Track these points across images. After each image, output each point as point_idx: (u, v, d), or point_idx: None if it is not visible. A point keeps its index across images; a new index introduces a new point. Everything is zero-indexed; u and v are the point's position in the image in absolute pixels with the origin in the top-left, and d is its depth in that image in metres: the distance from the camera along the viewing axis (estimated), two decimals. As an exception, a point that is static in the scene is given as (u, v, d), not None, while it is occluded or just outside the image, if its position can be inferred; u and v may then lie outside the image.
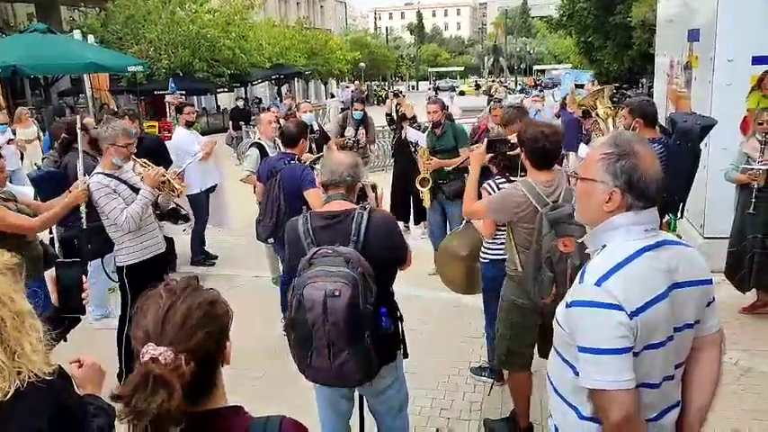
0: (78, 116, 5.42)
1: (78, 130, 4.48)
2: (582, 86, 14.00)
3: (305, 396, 4.25)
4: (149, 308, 1.37)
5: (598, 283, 1.68)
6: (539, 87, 36.19)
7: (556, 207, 3.13)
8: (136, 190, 4.19)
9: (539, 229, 3.15)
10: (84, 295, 2.10)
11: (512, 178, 3.99)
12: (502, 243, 4.07)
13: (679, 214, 4.83)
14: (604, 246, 1.80)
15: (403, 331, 2.91)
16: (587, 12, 25.70)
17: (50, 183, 5.00)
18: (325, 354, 2.50)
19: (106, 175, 4.14)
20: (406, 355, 2.96)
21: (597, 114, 4.74)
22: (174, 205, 4.80)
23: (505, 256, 4.07)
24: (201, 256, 7.38)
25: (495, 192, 3.94)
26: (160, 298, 1.38)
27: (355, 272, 2.45)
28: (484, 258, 4.17)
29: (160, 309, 1.35)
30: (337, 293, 2.41)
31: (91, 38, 15.09)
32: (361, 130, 8.31)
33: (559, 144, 3.33)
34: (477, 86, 54.34)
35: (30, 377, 1.55)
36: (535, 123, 3.65)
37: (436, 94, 26.15)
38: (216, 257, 7.55)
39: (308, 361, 2.56)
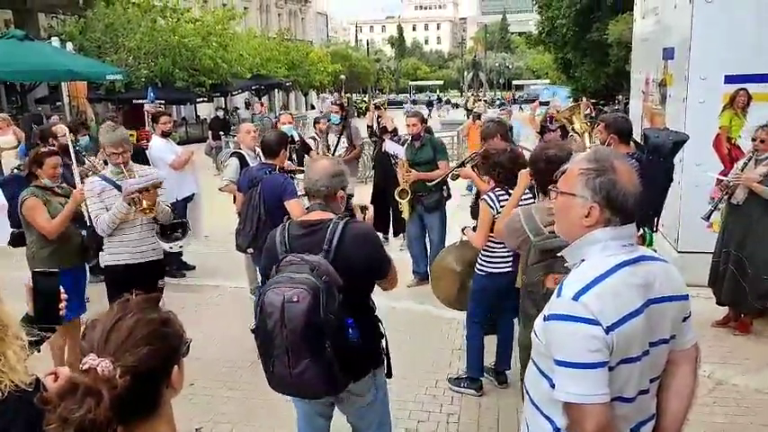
0: (60, 123, 5.50)
1: (67, 136, 4.55)
2: (547, 104, 14.22)
3: (284, 408, 4.23)
4: (100, 320, 1.35)
5: (575, 298, 1.70)
6: (518, 104, 36.23)
7: (549, 237, 2.89)
8: None
9: (526, 258, 3.02)
10: (61, 306, 2.07)
11: (510, 191, 4.04)
12: (499, 257, 4.12)
13: (654, 228, 4.91)
14: (583, 260, 1.82)
15: (387, 350, 2.84)
16: (565, 29, 26.06)
17: (13, 186, 5.18)
18: (285, 361, 2.45)
19: (102, 178, 4.29)
20: (389, 375, 2.88)
21: (574, 129, 4.81)
22: (178, 221, 4.78)
23: (501, 270, 4.13)
24: (174, 266, 7.27)
25: (493, 203, 4.00)
26: (112, 311, 1.36)
27: (319, 280, 2.40)
28: (480, 270, 4.22)
29: (109, 321, 1.33)
30: (295, 299, 2.36)
31: (69, 45, 14.97)
32: (344, 139, 8.25)
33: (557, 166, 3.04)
34: (439, 100, 54.67)
35: (9, 387, 1.53)
36: (545, 144, 3.44)
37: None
38: (193, 267, 7.49)
39: (270, 368, 2.52)
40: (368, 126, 8.71)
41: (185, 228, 4.94)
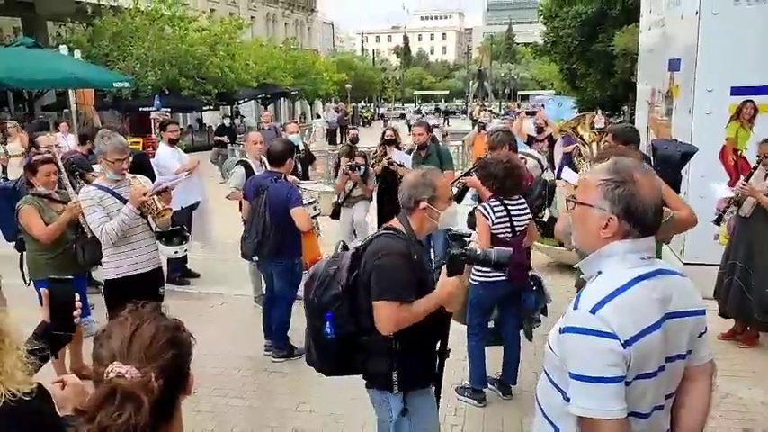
0: (68, 129, 5.55)
1: (54, 148, 4.56)
2: (534, 113, 14.32)
3: (288, 415, 4.22)
4: (114, 328, 1.33)
5: (593, 311, 1.66)
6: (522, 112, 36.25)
7: None
8: None
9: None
10: (75, 313, 2.07)
11: (505, 201, 4.03)
12: None
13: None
14: (600, 272, 1.79)
15: (438, 389, 2.97)
16: (571, 39, 26.11)
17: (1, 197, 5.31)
18: None
19: (98, 187, 4.14)
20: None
21: (582, 139, 4.81)
22: (178, 227, 4.83)
23: (495, 279, 4.10)
24: (178, 273, 7.25)
25: (488, 213, 3.99)
26: (126, 320, 1.35)
27: (329, 267, 2.69)
28: (474, 280, 4.18)
29: (126, 329, 1.32)
30: (312, 270, 2.79)
31: (77, 53, 15.06)
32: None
33: None
34: (438, 109, 54.55)
35: (7, 396, 1.52)
36: (603, 152, 3.36)
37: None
38: (198, 275, 7.48)
39: None
40: (376, 175, 7.45)
41: (183, 235, 4.94)
